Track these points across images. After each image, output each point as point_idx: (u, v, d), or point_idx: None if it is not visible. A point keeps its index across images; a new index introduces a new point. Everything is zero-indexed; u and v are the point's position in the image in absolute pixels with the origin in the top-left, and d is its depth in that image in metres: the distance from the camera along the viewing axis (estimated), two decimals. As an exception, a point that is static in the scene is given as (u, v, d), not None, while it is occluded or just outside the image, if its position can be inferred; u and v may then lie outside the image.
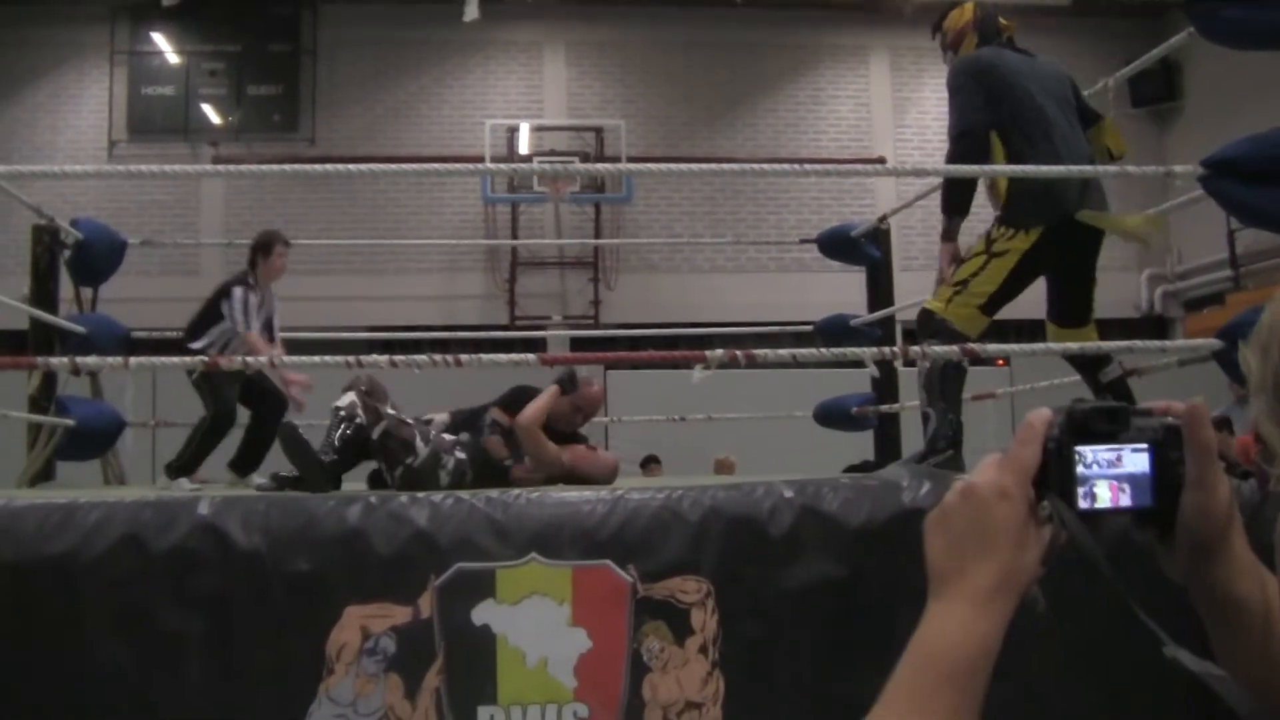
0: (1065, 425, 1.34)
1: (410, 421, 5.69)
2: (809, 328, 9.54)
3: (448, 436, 5.72)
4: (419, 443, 5.55)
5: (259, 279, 7.72)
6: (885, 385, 8.47)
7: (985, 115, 5.48)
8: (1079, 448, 1.33)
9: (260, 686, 3.75)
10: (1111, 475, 1.33)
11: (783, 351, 5.36)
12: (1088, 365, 5.80)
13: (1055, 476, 1.33)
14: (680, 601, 3.85)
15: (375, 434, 5.48)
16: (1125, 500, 1.34)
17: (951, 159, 5.61)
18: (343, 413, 5.53)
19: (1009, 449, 1.33)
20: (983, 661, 1.25)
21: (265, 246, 7.79)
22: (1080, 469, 1.33)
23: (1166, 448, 1.35)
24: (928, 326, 5.49)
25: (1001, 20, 6.03)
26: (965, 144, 5.54)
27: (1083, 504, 1.32)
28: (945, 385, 5.38)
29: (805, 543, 3.93)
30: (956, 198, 5.70)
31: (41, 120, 17.38)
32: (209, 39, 17.66)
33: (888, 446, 8.58)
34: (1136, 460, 1.34)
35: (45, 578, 3.75)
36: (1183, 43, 6.11)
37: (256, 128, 17.56)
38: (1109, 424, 1.34)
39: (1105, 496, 1.33)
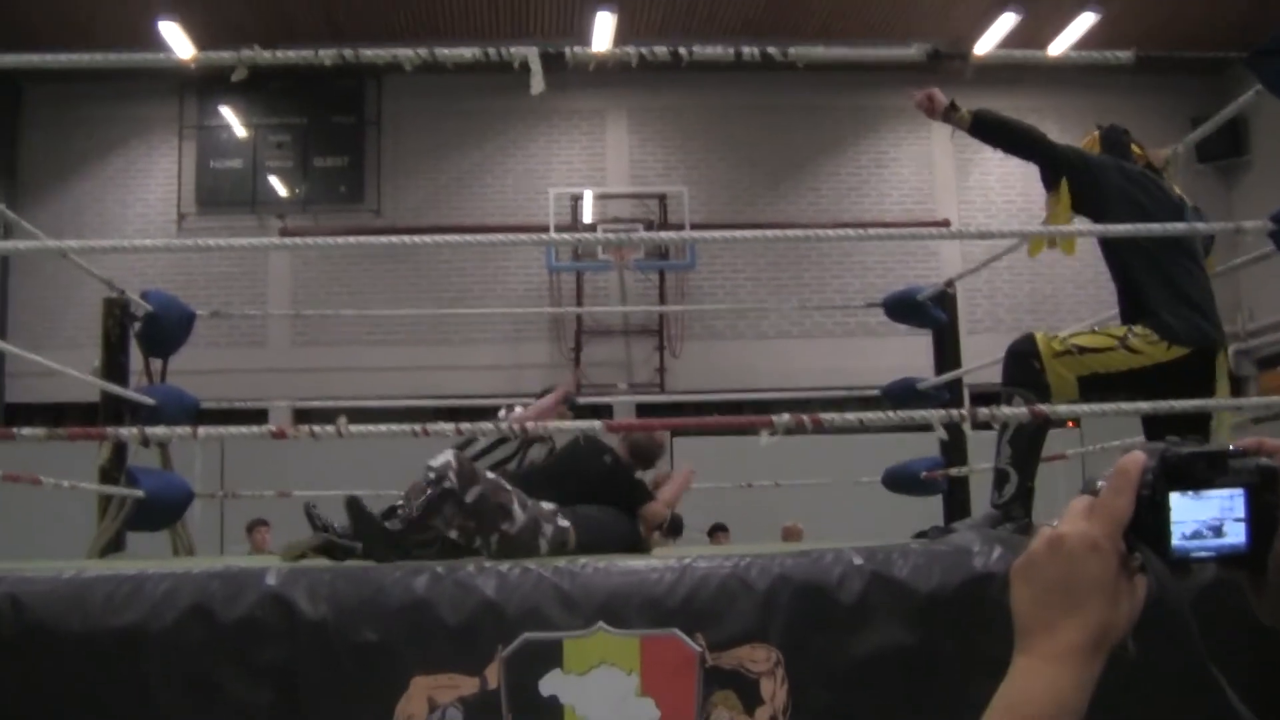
0: (1160, 471, 1.29)
1: (509, 487, 5.41)
2: (875, 392, 9.47)
3: (546, 505, 5.53)
4: (516, 508, 5.29)
5: None
6: (953, 449, 8.39)
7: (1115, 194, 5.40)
8: (1173, 494, 1.28)
9: (327, 758, 3.74)
10: (1206, 521, 1.29)
11: (850, 416, 5.32)
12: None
13: (1149, 526, 1.28)
14: (749, 671, 3.80)
15: (470, 497, 5.19)
16: (1219, 545, 1.29)
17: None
18: (433, 474, 5.22)
19: (1100, 495, 1.29)
20: None
21: None
22: (1174, 516, 1.28)
23: (1262, 490, 1.29)
24: (1023, 368, 5.28)
25: (1135, 148, 5.82)
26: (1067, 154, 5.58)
27: (1175, 553, 1.28)
28: (1033, 447, 5.25)
29: (875, 610, 3.88)
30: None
31: (111, 194, 17.64)
32: (275, 112, 17.91)
33: (957, 511, 8.49)
34: (1232, 504, 1.29)
35: (114, 648, 3.75)
36: (1250, 100, 6.03)
37: (323, 199, 17.74)
38: (1207, 469, 1.29)
39: (1198, 543, 1.28)
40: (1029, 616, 1.28)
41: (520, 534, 5.25)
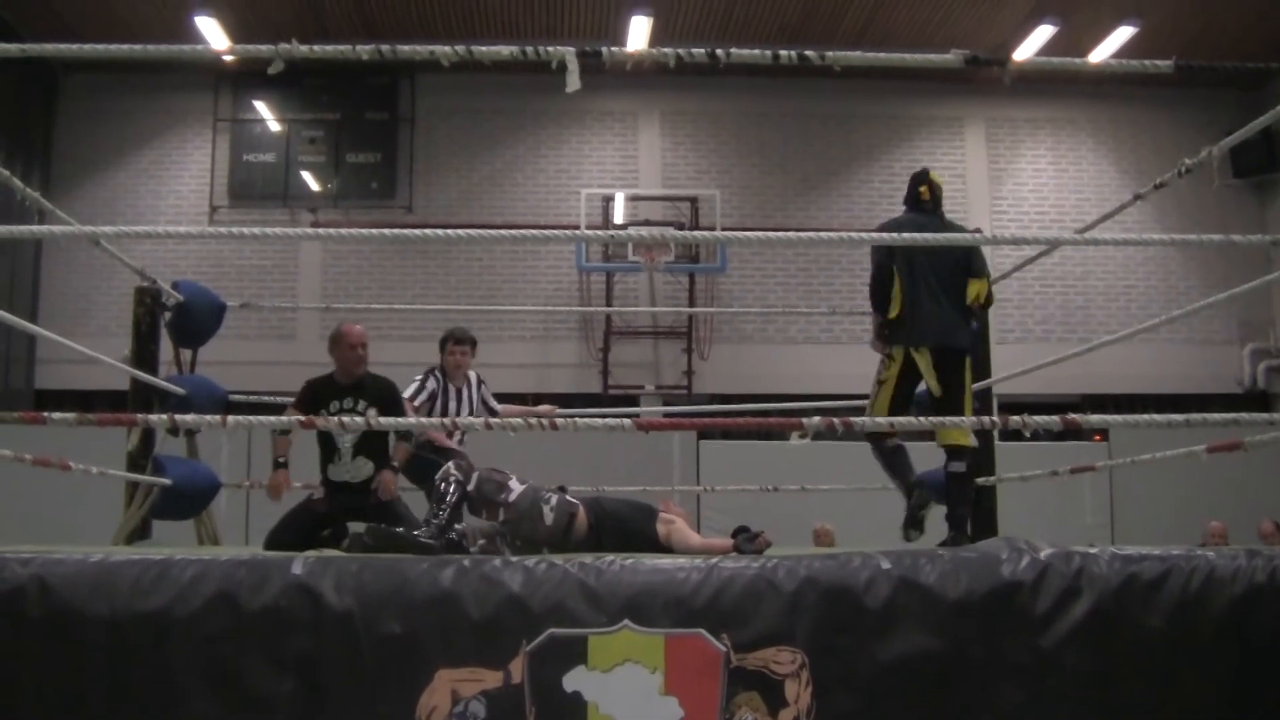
0: None
1: (502, 470, 5.67)
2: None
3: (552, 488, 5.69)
4: (513, 482, 5.54)
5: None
6: (982, 457, 8.35)
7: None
8: None
9: (350, 748, 3.74)
10: None
11: (881, 420, 5.32)
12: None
13: None
14: (774, 672, 3.79)
15: (471, 485, 5.46)
16: None
17: None
18: (443, 483, 5.49)
19: None
20: None
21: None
22: None
23: None
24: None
25: (923, 189, 6.93)
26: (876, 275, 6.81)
27: None
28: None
29: (902, 615, 3.87)
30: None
31: (145, 186, 17.69)
32: (309, 107, 17.93)
33: (984, 519, 8.45)
34: None
35: (139, 633, 3.76)
36: (1286, 113, 5.99)
37: (354, 195, 17.76)
38: None
39: None
40: None
41: (519, 501, 5.45)
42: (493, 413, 8.16)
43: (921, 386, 6.81)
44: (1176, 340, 16.93)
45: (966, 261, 6.67)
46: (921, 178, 6.98)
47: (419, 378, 7.86)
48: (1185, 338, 17.03)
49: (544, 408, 8.53)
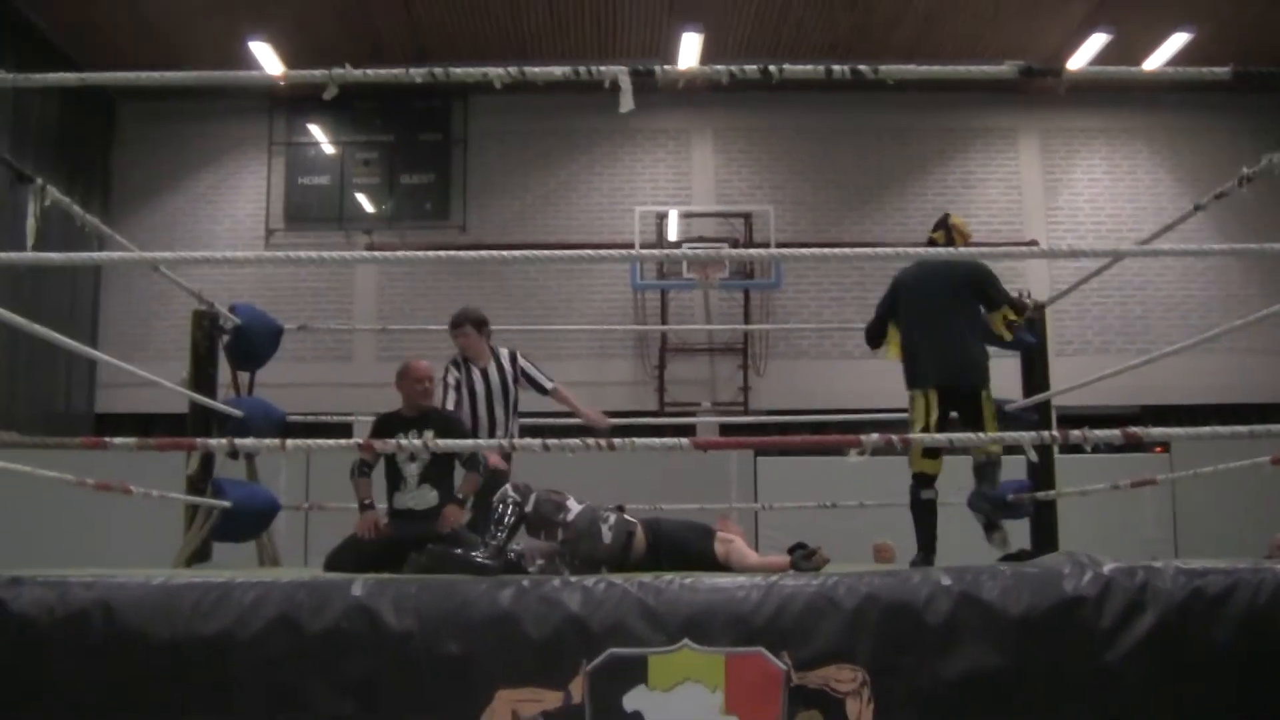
0: None
1: (560, 490, 5.72)
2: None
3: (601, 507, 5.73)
4: (571, 502, 5.58)
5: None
6: (1042, 471, 8.28)
7: None
8: None
9: (411, 770, 3.74)
10: None
11: (940, 436, 5.28)
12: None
13: None
14: (835, 691, 3.77)
15: (529, 505, 5.49)
16: None
17: None
18: (500, 505, 5.52)
19: None
20: None
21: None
22: None
23: None
24: None
25: (935, 234, 7.56)
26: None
27: None
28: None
29: (964, 632, 3.84)
30: None
31: (202, 210, 17.86)
32: (363, 130, 18.05)
33: (1044, 534, 8.38)
34: None
35: (200, 655, 3.79)
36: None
37: (409, 216, 17.86)
38: None
39: None
40: None
41: (578, 520, 5.50)
42: (536, 385, 8.27)
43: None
44: (1238, 349, 16.73)
45: (977, 297, 7.04)
46: (937, 223, 7.56)
47: (441, 378, 7.87)
48: (1246, 346, 16.82)
49: (593, 413, 8.53)
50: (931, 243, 7.41)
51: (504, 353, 8.20)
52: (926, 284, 7.07)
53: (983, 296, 7.03)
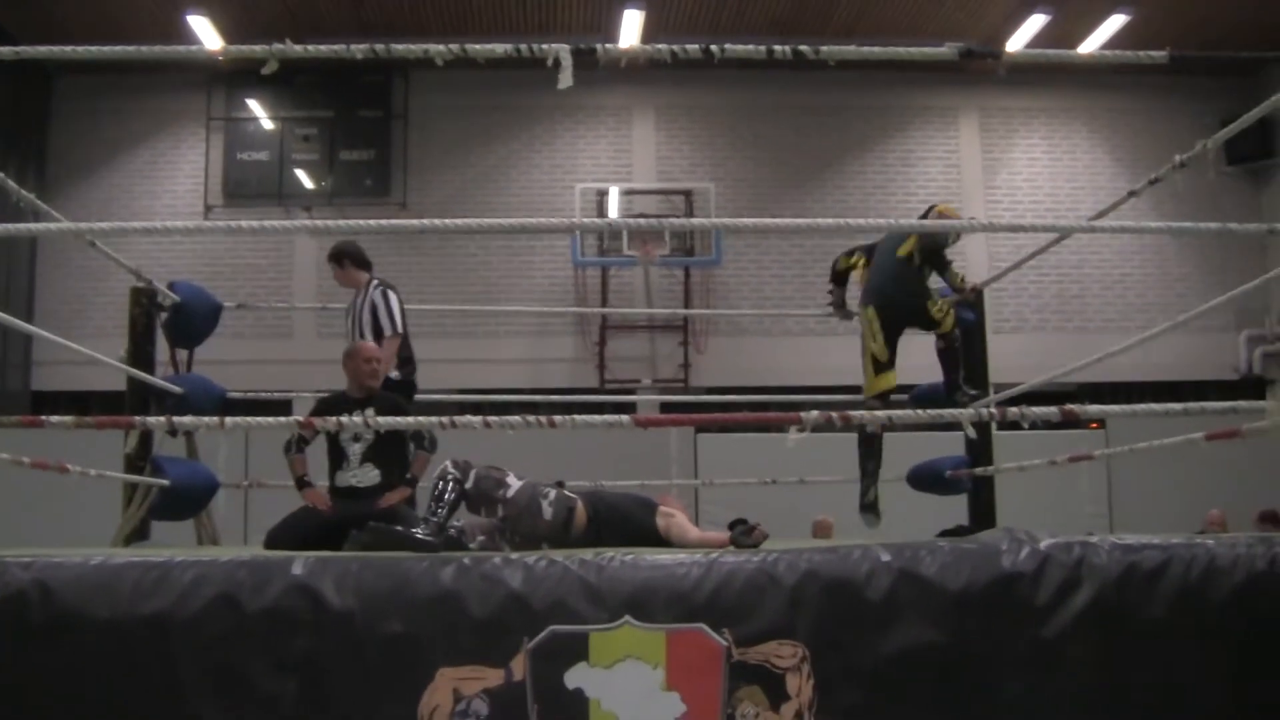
0: None
1: (500, 466, 5.76)
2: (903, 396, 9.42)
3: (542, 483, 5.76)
4: (511, 479, 5.64)
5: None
6: (980, 448, 8.36)
7: None
8: None
9: (352, 748, 3.74)
10: None
11: (879, 414, 5.31)
12: None
13: None
14: (775, 666, 3.80)
15: (469, 482, 5.54)
16: None
17: None
18: (440, 482, 5.60)
19: None
20: None
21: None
22: None
23: None
24: None
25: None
26: None
27: None
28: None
29: (903, 607, 3.87)
30: None
31: (139, 186, 17.67)
32: (302, 105, 17.89)
33: (983, 510, 8.46)
34: None
35: (141, 635, 3.77)
36: (1280, 100, 5.98)
37: (349, 193, 17.73)
38: None
39: None
40: None
41: (518, 497, 5.58)
42: (375, 325, 7.91)
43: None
44: (1173, 329, 16.91)
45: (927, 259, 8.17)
46: (924, 214, 8.48)
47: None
48: (1181, 325, 17.00)
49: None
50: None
51: (374, 284, 8.10)
52: (889, 241, 8.19)
53: (934, 260, 8.16)
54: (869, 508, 8.00)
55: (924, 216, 8.34)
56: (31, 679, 3.75)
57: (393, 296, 7.98)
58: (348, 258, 8.15)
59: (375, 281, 8.08)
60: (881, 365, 7.90)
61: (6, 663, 3.76)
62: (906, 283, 8.02)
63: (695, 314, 16.85)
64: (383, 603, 3.81)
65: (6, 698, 3.75)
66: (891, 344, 7.93)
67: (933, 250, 8.08)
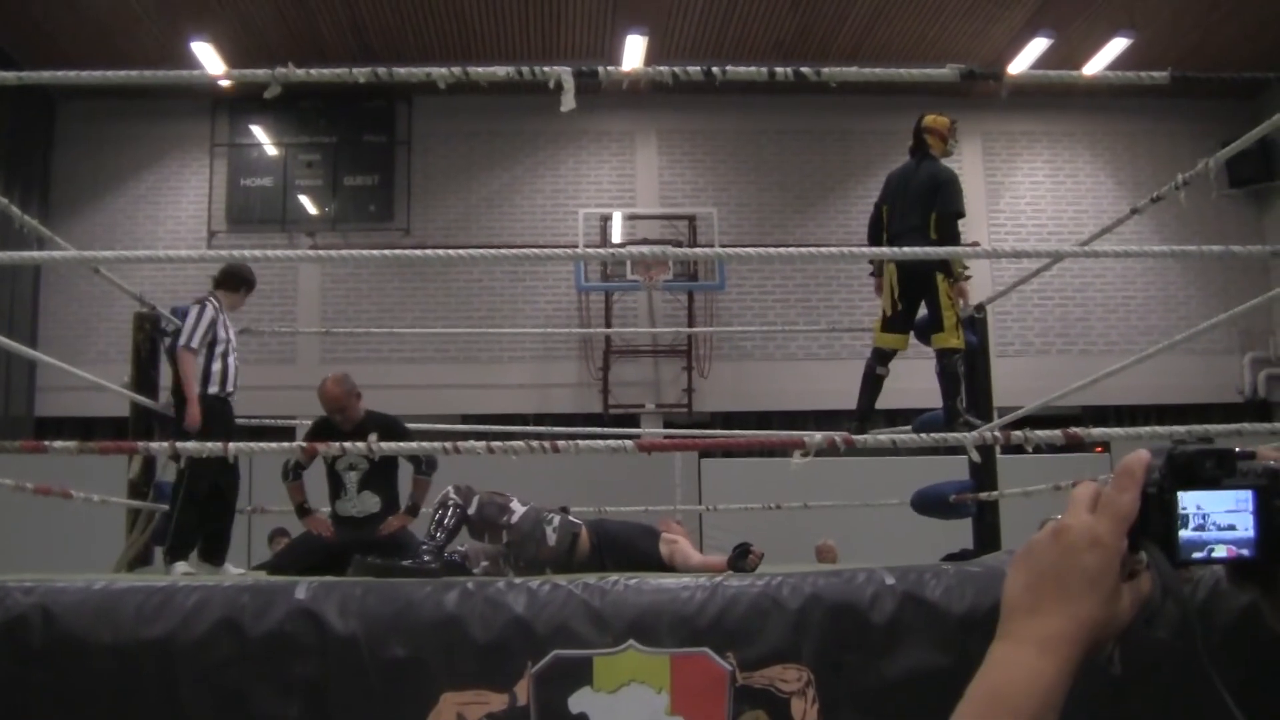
0: (1166, 470, 1.24)
1: (503, 492, 5.75)
2: (906, 421, 9.39)
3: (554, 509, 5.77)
4: (515, 504, 5.64)
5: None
6: (984, 472, 8.33)
7: None
8: (1180, 494, 1.24)
9: (356, 774, 3.72)
10: (1212, 523, 1.25)
11: (883, 436, 5.31)
12: None
13: (1154, 525, 1.23)
14: (780, 690, 3.78)
15: (472, 509, 5.52)
16: (1226, 551, 1.25)
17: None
18: (441, 508, 5.59)
19: (1106, 491, 1.25)
20: (1050, 714, 1.18)
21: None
22: (1180, 516, 1.24)
23: (1271, 492, 1.24)
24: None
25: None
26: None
27: (1182, 554, 1.25)
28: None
29: (908, 631, 3.86)
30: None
31: (143, 211, 17.69)
32: (306, 131, 17.93)
33: (987, 534, 8.43)
34: (1239, 507, 1.25)
35: (144, 660, 3.75)
36: (1282, 123, 5.97)
37: (352, 218, 17.75)
38: (1215, 468, 1.25)
39: (1204, 546, 1.25)
40: (1017, 599, 1.24)
41: (522, 522, 5.59)
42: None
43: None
44: (1176, 350, 16.88)
45: (931, 198, 8.07)
46: (914, 130, 8.85)
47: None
48: (1185, 348, 16.96)
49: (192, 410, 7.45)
50: (910, 152, 8.74)
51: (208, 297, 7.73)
52: (899, 182, 8.39)
53: (935, 198, 8.05)
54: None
55: (913, 140, 8.74)
56: (34, 703, 3.74)
57: (206, 310, 7.56)
58: (220, 283, 7.84)
59: (209, 296, 7.75)
60: (886, 320, 7.96)
61: (9, 687, 3.75)
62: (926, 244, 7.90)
63: (699, 332, 16.80)
64: (386, 627, 3.80)
65: (9, 723, 3.74)
66: (905, 301, 7.93)
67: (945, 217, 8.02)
